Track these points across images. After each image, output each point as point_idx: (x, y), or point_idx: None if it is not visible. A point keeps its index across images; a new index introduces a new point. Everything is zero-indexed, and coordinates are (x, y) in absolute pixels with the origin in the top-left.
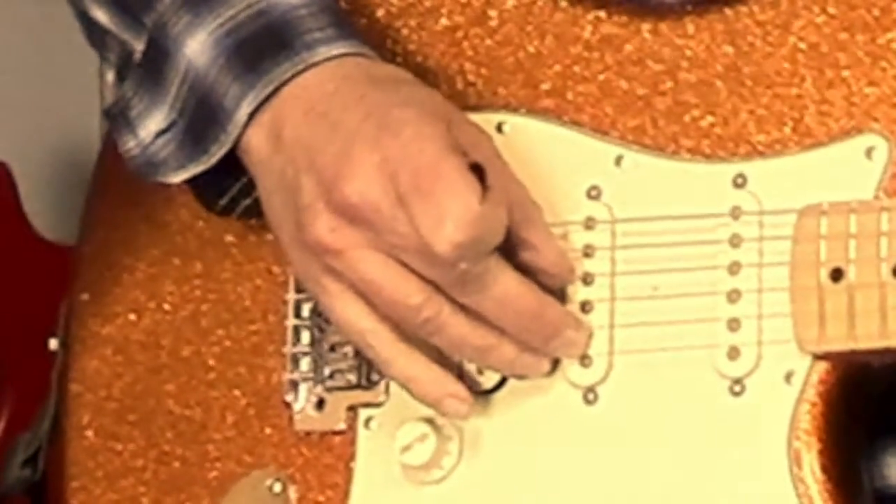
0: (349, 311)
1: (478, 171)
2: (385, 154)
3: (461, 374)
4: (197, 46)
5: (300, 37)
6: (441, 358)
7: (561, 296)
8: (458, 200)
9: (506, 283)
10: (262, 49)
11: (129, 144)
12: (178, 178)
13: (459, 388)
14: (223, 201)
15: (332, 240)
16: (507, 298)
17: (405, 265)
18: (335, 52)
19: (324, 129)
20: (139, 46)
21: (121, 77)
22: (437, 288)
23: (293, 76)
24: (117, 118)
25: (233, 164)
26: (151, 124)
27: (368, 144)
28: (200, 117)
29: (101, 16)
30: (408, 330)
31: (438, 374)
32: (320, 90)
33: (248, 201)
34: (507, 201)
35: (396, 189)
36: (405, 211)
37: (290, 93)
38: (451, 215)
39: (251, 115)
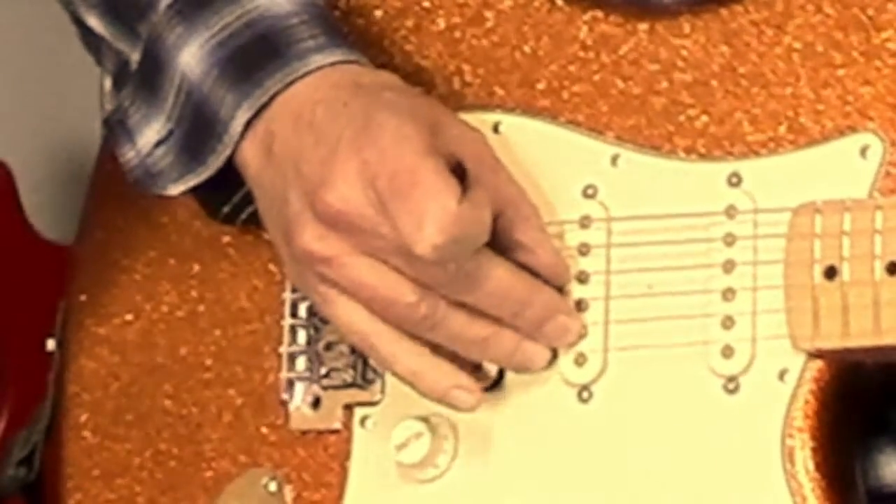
0: (349, 316)
1: (460, 171)
2: (365, 159)
3: None
4: (190, 58)
5: (292, 46)
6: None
7: None
8: (434, 202)
9: (497, 277)
10: (254, 59)
11: (129, 155)
12: (176, 189)
13: (466, 379)
14: (226, 209)
15: (319, 248)
16: (500, 291)
17: (395, 268)
18: (327, 60)
19: (309, 138)
20: (135, 56)
21: (117, 85)
22: (429, 287)
23: (285, 86)
24: (116, 128)
25: (235, 173)
26: (150, 133)
27: (349, 151)
28: (197, 127)
29: (95, 24)
30: (406, 330)
31: (444, 367)
32: (308, 100)
33: (251, 209)
34: (496, 201)
35: (377, 193)
36: (386, 215)
37: (281, 104)
38: (429, 217)
39: (246, 126)
